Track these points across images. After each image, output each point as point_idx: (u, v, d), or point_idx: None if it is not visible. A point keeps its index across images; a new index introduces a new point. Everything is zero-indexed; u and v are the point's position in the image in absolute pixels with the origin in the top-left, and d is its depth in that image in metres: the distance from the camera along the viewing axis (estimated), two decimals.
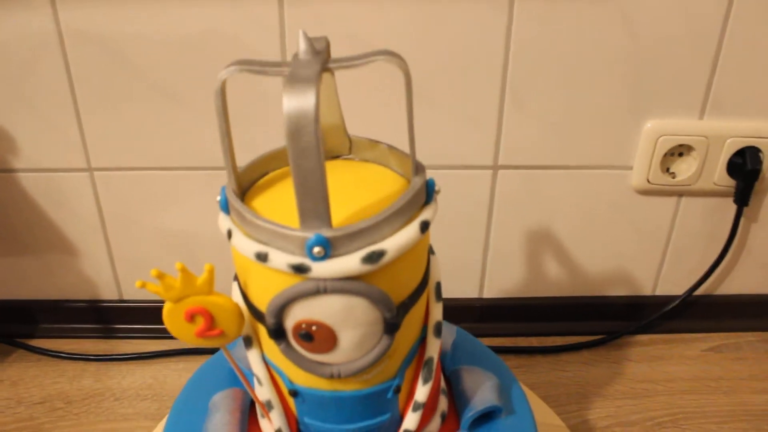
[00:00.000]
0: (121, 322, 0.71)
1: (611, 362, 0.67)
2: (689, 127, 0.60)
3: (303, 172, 0.29)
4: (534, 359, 0.68)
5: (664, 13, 0.56)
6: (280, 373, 0.37)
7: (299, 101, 0.28)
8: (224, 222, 0.35)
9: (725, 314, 0.71)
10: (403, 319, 0.35)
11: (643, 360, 0.67)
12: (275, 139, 0.61)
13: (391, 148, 0.38)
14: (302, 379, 0.37)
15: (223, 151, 0.34)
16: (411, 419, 0.39)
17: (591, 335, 0.70)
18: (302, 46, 0.32)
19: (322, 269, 0.31)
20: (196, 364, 0.66)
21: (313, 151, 0.29)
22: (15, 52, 0.57)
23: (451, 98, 0.59)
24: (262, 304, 0.34)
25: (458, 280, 0.70)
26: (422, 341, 0.39)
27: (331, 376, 0.35)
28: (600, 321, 0.70)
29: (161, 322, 0.72)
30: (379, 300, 0.32)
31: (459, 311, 0.69)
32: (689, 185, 0.63)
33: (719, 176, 0.62)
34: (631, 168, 0.63)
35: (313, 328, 0.33)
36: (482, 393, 0.43)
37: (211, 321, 0.34)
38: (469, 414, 0.42)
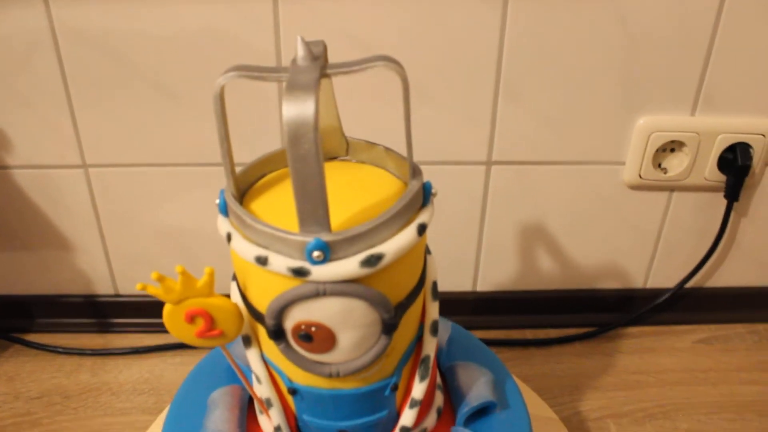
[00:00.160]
0: (117, 316, 0.71)
1: (603, 354, 0.68)
2: (681, 124, 0.61)
3: (302, 177, 0.30)
4: (527, 352, 0.69)
5: (657, 11, 0.56)
6: (279, 372, 0.38)
7: (299, 109, 0.28)
8: (223, 225, 0.35)
9: (715, 307, 0.72)
10: (401, 319, 0.35)
11: (634, 352, 0.68)
12: (267, 134, 0.61)
13: (387, 150, 0.39)
14: (301, 377, 0.37)
15: (222, 155, 0.34)
16: (408, 416, 0.39)
17: (583, 328, 0.71)
18: (300, 52, 0.32)
19: (322, 273, 0.31)
20: (192, 358, 0.67)
21: (312, 158, 0.29)
22: (8, 49, 0.57)
23: (445, 95, 0.60)
24: (262, 305, 0.34)
25: (452, 274, 0.70)
26: (419, 339, 0.39)
27: (330, 375, 0.36)
28: (592, 314, 0.71)
29: (157, 317, 0.72)
30: (377, 302, 0.33)
31: (453, 304, 0.70)
32: (680, 180, 0.63)
33: (710, 172, 0.63)
34: (623, 163, 0.63)
35: (313, 329, 0.33)
36: (477, 388, 0.44)
37: (211, 322, 0.35)
38: (465, 409, 0.42)
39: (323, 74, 0.32)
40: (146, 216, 0.66)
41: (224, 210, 0.36)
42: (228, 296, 0.36)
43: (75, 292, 0.71)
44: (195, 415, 0.44)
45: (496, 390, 0.45)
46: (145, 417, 0.60)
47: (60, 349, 0.68)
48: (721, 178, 0.63)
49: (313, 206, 0.30)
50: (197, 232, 0.67)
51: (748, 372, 0.66)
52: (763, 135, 0.61)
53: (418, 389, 0.39)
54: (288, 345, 0.35)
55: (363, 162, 0.40)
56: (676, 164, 0.63)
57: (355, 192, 0.36)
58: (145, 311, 0.70)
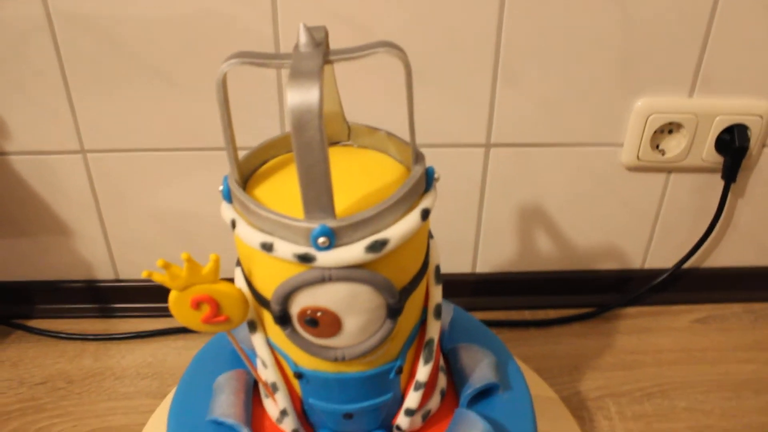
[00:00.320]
0: (118, 301, 0.72)
1: (602, 334, 0.69)
2: (679, 105, 0.61)
3: (307, 164, 0.30)
4: (527, 332, 0.69)
5: None
6: (285, 357, 0.38)
7: (303, 96, 0.28)
8: (227, 211, 0.35)
9: (712, 286, 0.72)
10: (405, 303, 0.36)
11: (632, 332, 0.69)
12: (265, 118, 0.61)
13: (389, 134, 0.39)
14: (307, 362, 0.38)
15: (225, 141, 0.34)
16: (412, 398, 0.40)
17: (582, 308, 0.71)
18: (302, 38, 0.32)
19: (327, 258, 0.32)
20: (194, 342, 0.67)
21: (317, 145, 0.29)
22: (3, 35, 0.57)
23: (443, 78, 0.60)
24: (267, 291, 0.35)
25: (452, 256, 0.71)
26: (423, 323, 0.40)
27: (336, 359, 0.36)
28: (591, 294, 0.72)
29: (158, 301, 0.73)
30: (382, 287, 0.33)
31: (453, 286, 0.70)
32: (678, 162, 0.64)
33: (708, 153, 0.63)
34: (621, 145, 0.64)
35: (318, 314, 0.34)
36: (480, 370, 0.44)
37: (216, 308, 0.35)
38: (468, 391, 0.43)
39: (326, 61, 0.32)
40: (145, 201, 0.66)
41: (228, 196, 0.36)
42: (231, 281, 0.36)
43: (75, 277, 0.71)
44: (201, 399, 0.44)
45: (498, 371, 0.45)
46: (149, 401, 0.60)
47: (62, 335, 0.68)
48: (719, 159, 0.63)
49: (317, 193, 0.31)
50: (196, 216, 0.67)
51: (745, 351, 0.67)
52: (761, 116, 0.61)
53: (423, 372, 0.39)
54: (294, 330, 0.35)
55: (365, 147, 0.40)
56: (673, 146, 0.63)
57: (358, 177, 0.36)
58: (146, 296, 0.70)
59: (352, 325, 0.34)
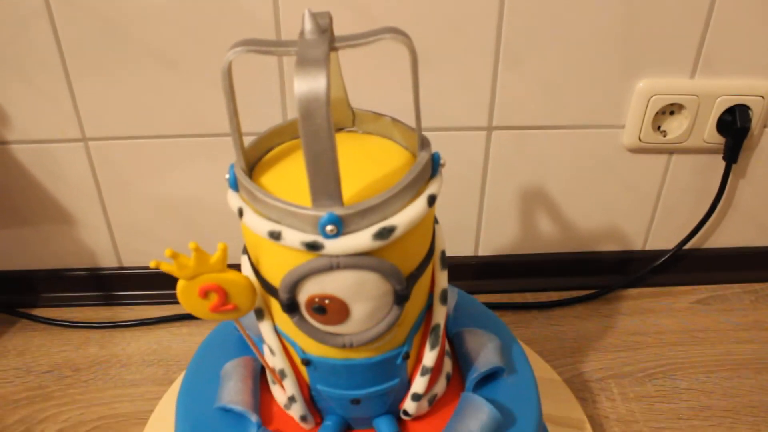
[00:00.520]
0: (121, 289, 0.72)
1: (604, 316, 0.69)
2: (681, 87, 0.61)
3: (315, 152, 0.30)
4: (529, 315, 0.70)
5: None
6: (293, 344, 0.38)
7: (310, 84, 0.28)
8: (234, 200, 0.35)
9: (713, 267, 0.73)
10: (412, 289, 0.36)
11: (634, 313, 0.69)
12: (268, 104, 0.61)
13: (394, 120, 0.39)
14: (314, 348, 0.38)
15: (231, 130, 0.34)
16: (419, 383, 0.40)
17: (584, 290, 0.72)
18: (308, 25, 0.32)
19: (335, 246, 0.32)
20: (199, 329, 0.68)
21: (324, 133, 0.29)
22: (2, 22, 0.56)
23: (445, 61, 0.59)
24: (275, 279, 0.35)
25: (454, 239, 0.71)
26: (429, 308, 0.40)
27: (344, 346, 0.36)
28: (592, 276, 0.72)
29: (162, 288, 0.73)
30: (389, 273, 0.33)
31: (455, 269, 0.71)
32: (680, 143, 0.64)
33: (709, 134, 0.63)
34: (623, 127, 0.64)
35: (326, 301, 0.34)
36: (485, 354, 0.45)
37: (224, 297, 0.35)
38: (474, 375, 0.43)
39: (331, 48, 0.31)
40: (148, 188, 0.66)
41: (234, 185, 0.36)
42: (237, 267, 0.36)
43: (79, 265, 0.71)
44: (208, 387, 0.44)
45: (503, 355, 0.46)
46: (155, 388, 0.61)
47: (67, 323, 0.68)
48: (720, 140, 0.64)
49: (325, 181, 0.31)
50: (199, 202, 0.67)
51: (745, 331, 0.67)
52: (762, 97, 0.61)
53: (429, 357, 0.40)
54: (302, 317, 0.36)
55: (369, 133, 0.40)
56: (675, 127, 0.63)
57: (364, 164, 0.36)
58: (150, 283, 0.71)
59: (359, 312, 0.35)
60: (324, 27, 0.32)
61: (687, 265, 0.73)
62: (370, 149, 0.38)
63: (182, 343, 0.66)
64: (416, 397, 0.40)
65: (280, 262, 0.34)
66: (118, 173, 0.65)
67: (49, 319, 0.69)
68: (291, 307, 0.35)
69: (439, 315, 0.40)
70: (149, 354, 0.65)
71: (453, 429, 0.40)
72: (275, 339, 0.39)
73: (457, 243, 0.71)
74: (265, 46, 0.32)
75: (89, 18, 0.56)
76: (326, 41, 0.31)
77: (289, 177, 0.36)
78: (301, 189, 0.32)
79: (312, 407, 0.42)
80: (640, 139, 0.63)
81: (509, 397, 0.44)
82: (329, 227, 0.31)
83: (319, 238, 0.32)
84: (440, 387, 0.43)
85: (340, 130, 0.41)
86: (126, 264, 0.71)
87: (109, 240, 0.69)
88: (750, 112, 0.62)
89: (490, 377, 0.45)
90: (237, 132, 0.34)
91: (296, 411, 0.41)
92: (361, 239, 0.32)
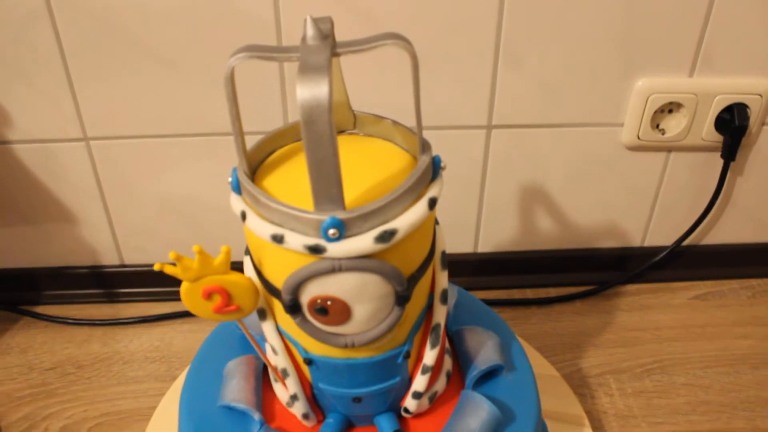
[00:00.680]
0: (123, 286, 0.72)
1: (602, 312, 0.70)
2: (679, 85, 0.61)
3: (317, 158, 0.30)
4: (528, 311, 0.70)
5: None
6: (295, 343, 0.39)
7: (313, 91, 0.29)
8: (237, 203, 0.36)
9: (711, 263, 0.73)
10: (413, 290, 0.36)
11: (632, 309, 0.70)
12: (268, 106, 0.61)
13: (395, 123, 0.39)
14: (316, 348, 0.38)
15: (234, 134, 0.35)
16: (420, 381, 0.41)
17: (583, 286, 0.72)
18: (310, 31, 0.32)
19: (337, 249, 0.32)
20: (201, 326, 0.68)
21: (327, 139, 0.30)
22: (4, 22, 0.57)
23: (445, 60, 0.60)
24: (278, 281, 0.35)
25: (454, 236, 0.71)
26: (429, 308, 0.41)
27: (345, 346, 0.37)
28: (591, 272, 0.73)
29: (163, 285, 0.73)
30: (391, 275, 0.34)
31: (455, 266, 0.71)
32: (678, 141, 0.64)
33: (707, 132, 0.64)
34: (621, 125, 0.64)
35: (328, 303, 0.34)
36: (485, 352, 0.45)
37: (228, 298, 0.36)
38: (474, 373, 0.44)
39: (333, 53, 0.32)
40: (149, 186, 0.66)
41: (237, 188, 0.36)
42: (239, 265, 0.37)
43: (81, 263, 0.71)
44: (211, 385, 0.45)
45: (502, 353, 0.46)
46: (158, 384, 0.61)
47: (69, 320, 0.69)
48: (718, 138, 0.64)
49: (327, 185, 0.31)
50: (200, 200, 0.67)
51: (742, 326, 0.68)
52: (760, 95, 0.62)
53: (430, 356, 0.40)
54: (304, 318, 0.36)
55: (370, 135, 0.40)
56: (673, 125, 0.64)
57: (365, 167, 0.37)
58: (151, 280, 0.71)
59: (361, 313, 0.35)
60: (326, 33, 0.33)
61: (685, 262, 0.73)
62: (371, 152, 0.39)
63: (184, 339, 0.67)
64: (417, 395, 0.41)
65: (282, 265, 0.34)
66: (119, 172, 0.65)
67: (51, 316, 0.69)
68: (293, 308, 0.35)
69: (440, 314, 0.40)
70: (152, 351, 0.65)
71: (453, 426, 0.41)
72: (278, 338, 0.40)
73: (457, 240, 0.72)
74: (268, 52, 0.32)
75: (90, 19, 0.57)
76: (328, 47, 0.31)
77: (291, 180, 0.36)
78: (304, 192, 0.33)
79: (314, 405, 0.42)
80: (638, 137, 0.64)
81: (509, 394, 0.44)
82: (331, 231, 0.32)
83: (322, 242, 0.32)
84: (440, 385, 0.44)
85: (341, 132, 0.41)
86: (128, 261, 0.72)
87: (110, 238, 0.70)
88: (748, 110, 0.62)
89: (489, 375, 0.45)
90: (240, 136, 0.35)
91: (298, 409, 0.41)
92: (362, 242, 0.32)
